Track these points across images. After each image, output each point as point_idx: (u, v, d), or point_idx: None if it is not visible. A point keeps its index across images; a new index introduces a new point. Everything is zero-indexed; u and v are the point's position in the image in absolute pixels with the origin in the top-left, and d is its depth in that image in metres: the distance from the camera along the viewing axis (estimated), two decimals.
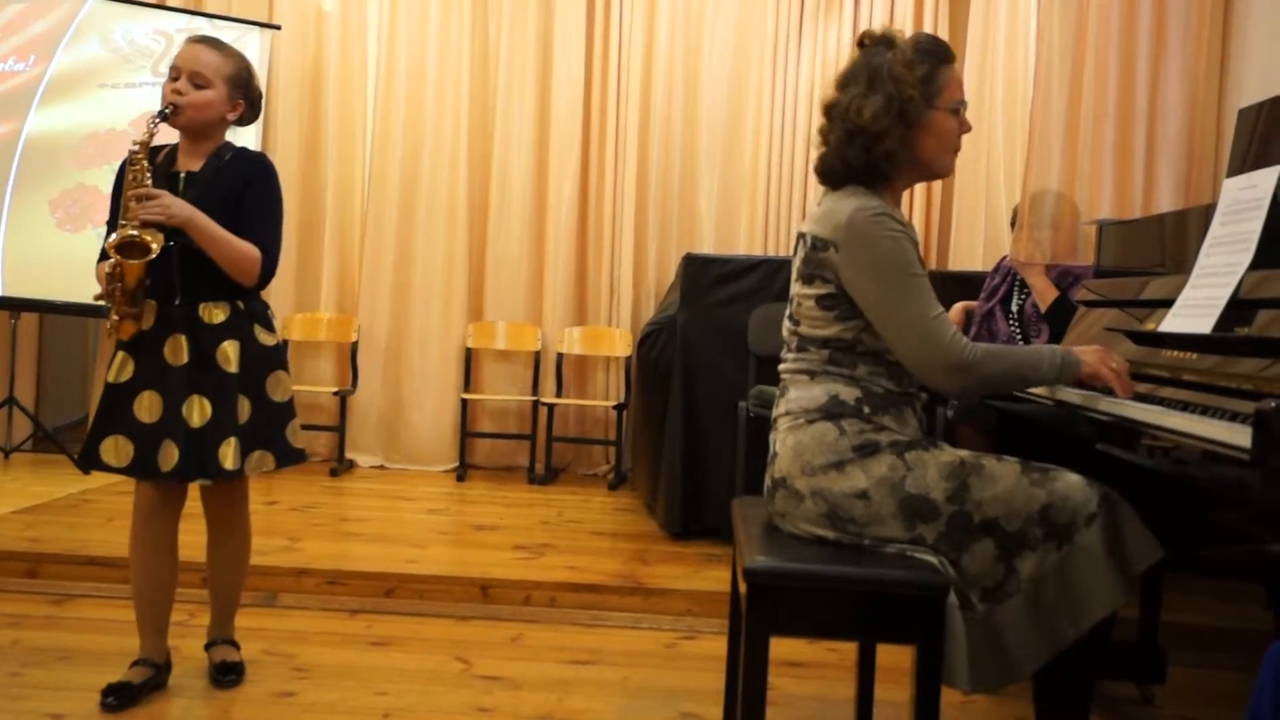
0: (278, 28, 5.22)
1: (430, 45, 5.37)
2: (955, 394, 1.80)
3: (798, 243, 1.90)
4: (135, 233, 2.16)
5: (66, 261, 4.75)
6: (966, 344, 1.75)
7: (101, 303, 2.26)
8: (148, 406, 2.26)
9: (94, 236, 4.73)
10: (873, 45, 1.86)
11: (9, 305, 4.88)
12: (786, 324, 1.93)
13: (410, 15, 5.37)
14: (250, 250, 2.29)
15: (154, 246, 2.16)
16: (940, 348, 1.74)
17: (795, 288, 1.90)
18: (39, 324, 5.44)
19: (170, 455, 2.23)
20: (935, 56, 1.84)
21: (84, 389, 5.98)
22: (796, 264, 1.90)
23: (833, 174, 1.89)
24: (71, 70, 4.94)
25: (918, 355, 1.76)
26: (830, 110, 1.88)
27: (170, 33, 5.02)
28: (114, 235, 2.18)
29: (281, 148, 5.27)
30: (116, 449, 2.26)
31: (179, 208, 2.20)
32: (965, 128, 1.89)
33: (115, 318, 2.22)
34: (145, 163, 2.22)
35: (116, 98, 4.94)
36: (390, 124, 5.38)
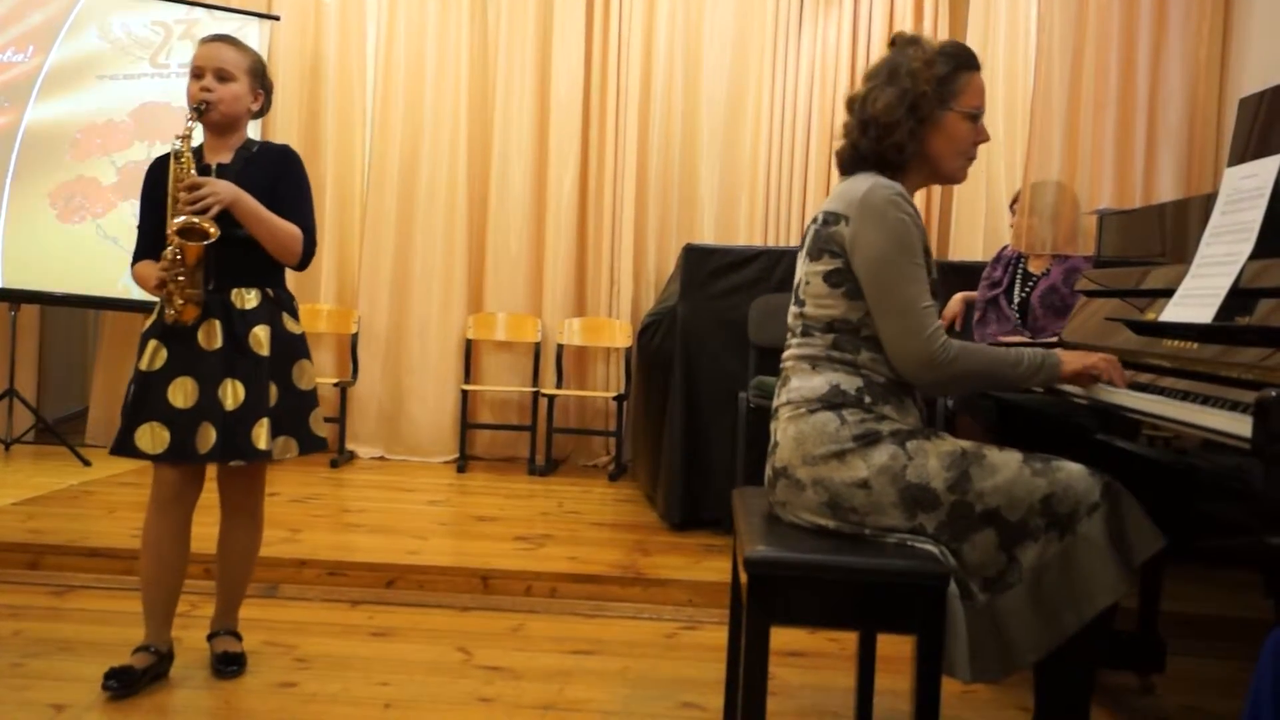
0: (276, 19, 5.21)
1: (429, 36, 5.36)
2: (924, 388, 1.83)
3: (811, 223, 1.92)
4: (196, 220, 2.24)
5: (66, 253, 4.74)
6: (944, 341, 1.77)
7: (159, 297, 2.30)
8: (183, 392, 2.30)
9: (93, 228, 4.74)
10: (901, 44, 1.91)
11: (9, 297, 4.87)
12: (792, 308, 1.94)
13: (409, 6, 5.36)
14: (293, 229, 2.39)
15: (213, 231, 2.25)
16: (921, 337, 1.76)
17: (804, 266, 1.91)
18: (39, 316, 5.44)
19: (208, 438, 2.28)
20: (957, 61, 1.88)
21: (84, 381, 5.97)
22: (807, 242, 1.91)
23: (848, 168, 1.95)
24: (70, 61, 4.92)
25: (897, 340, 1.78)
26: (851, 104, 1.94)
27: (168, 23, 5.01)
28: (176, 221, 2.24)
29: (280, 139, 5.20)
30: (153, 435, 2.29)
31: (225, 188, 2.27)
32: (982, 137, 1.92)
33: (180, 302, 2.28)
34: (190, 155, 2.30)
35: (115, 89, 4.93)
36: (390, 115, 5.37)
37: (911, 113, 1.83)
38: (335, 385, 5.19)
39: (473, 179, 5.40)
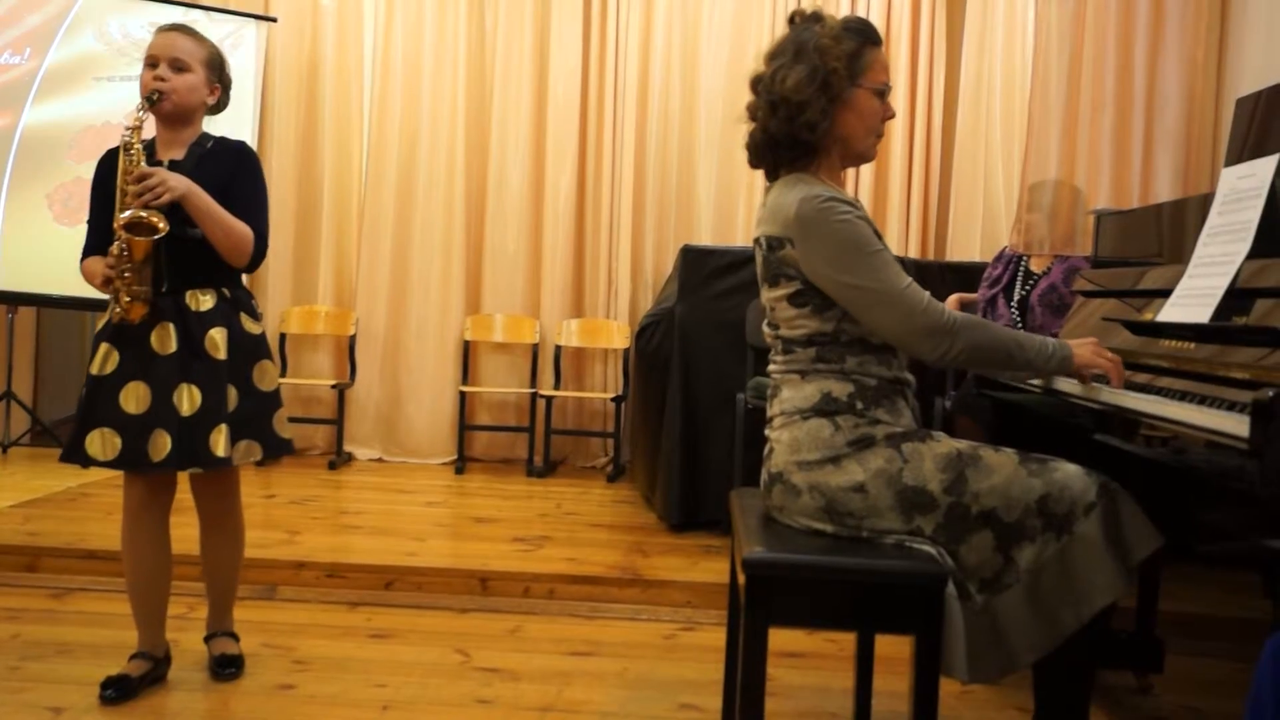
0: (274, 20, 5.21)
1: (427, 37, 5.36)
2: (939, 362, 1.79)
3: (755, 247, 1.90)
4: (144, 214, 2.16)
5: (64, 255, 4.71)
6: (944, 309, 1.75)
7: (107, 294, 2.24)
8: (135, 397, 2.23)
9: None
10: (802, 22, 1.86)
11: (6, 299, 4.87)
12: (766, 329, 1.92)
13: (406, 7, 5.35)
14: (244, 228, 2.28)
15: (161, 226, 2.17)
16: (917, 314, 1.73)
17: (765, 293, 1.89)
18: (36, 318, 5.43)
19: (162, 445, 2.21)
20: (863, 35, 1.84)
21: (82, 383, 5.96)
22: (759, 269, 1.89)
23: (759, 151, 1.89)
24: (67, 63, 4.93)
25: (897, 327, 1.75)
26: (756, 84, 1.88)
27: None
28: (123, 215, 2.16)
29: (278, 141, 5.26)
30: (103, 442, 2.22)
31: (176, 180, 2.19)
32: (889, 113, 1.88)
33: (126, 299, 2.20)
34: (140, 147, 2.22)
35: (112, 91, 4.93)
36: (387, 117, 5.36)
37: (823, 90, 1.78)
38: (333, 387, 5.19)
39: (470, 180, 5.40)
